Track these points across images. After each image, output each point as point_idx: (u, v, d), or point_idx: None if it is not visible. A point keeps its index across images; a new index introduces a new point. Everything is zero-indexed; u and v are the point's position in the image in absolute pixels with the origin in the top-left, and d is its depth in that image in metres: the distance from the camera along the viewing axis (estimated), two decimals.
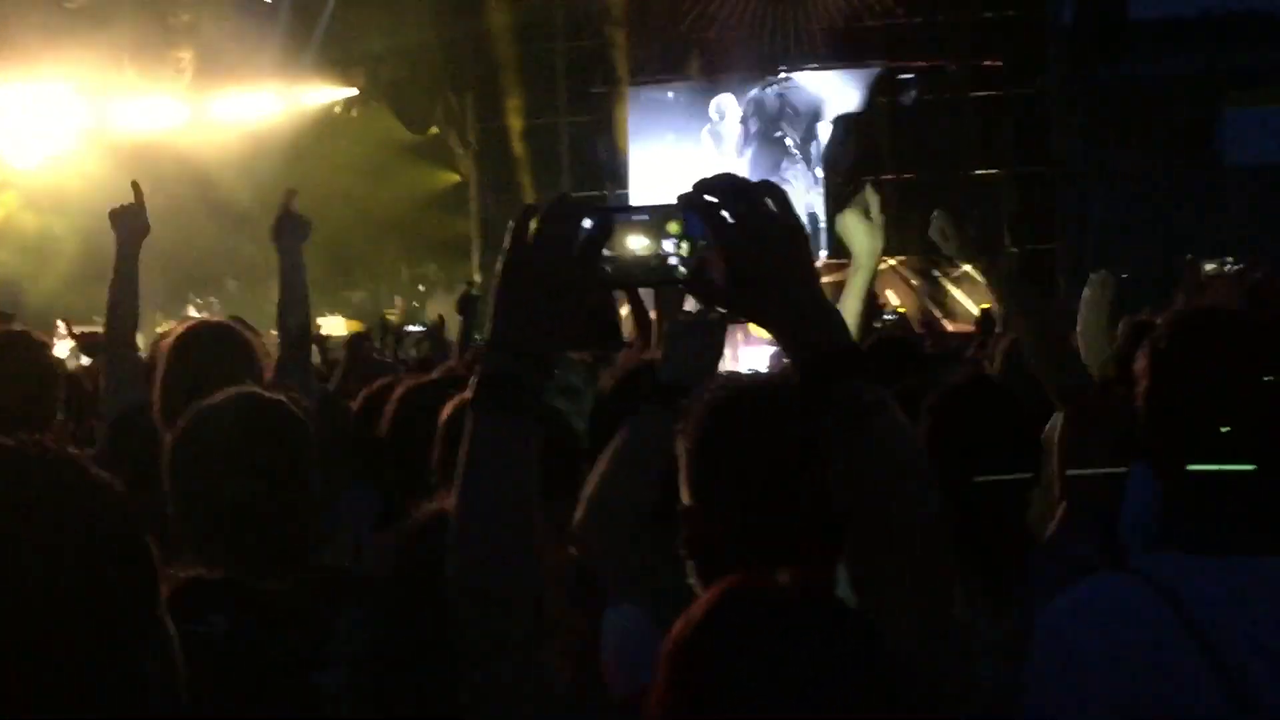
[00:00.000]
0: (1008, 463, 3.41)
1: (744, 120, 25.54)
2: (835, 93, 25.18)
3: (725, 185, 2.11)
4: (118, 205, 5.54)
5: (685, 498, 2.53)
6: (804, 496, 2.31)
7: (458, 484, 2.12)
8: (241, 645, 2.88)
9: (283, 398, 3.48)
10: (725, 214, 2.09)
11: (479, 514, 2.11)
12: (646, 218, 2.14)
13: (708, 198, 2.10)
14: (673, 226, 2.12)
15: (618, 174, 25.76)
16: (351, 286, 27.25)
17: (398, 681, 2.77)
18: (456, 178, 28.15)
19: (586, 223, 2.12)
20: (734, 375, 2.76)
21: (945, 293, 24.45)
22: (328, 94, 27.23)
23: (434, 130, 27.76)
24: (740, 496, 2.44)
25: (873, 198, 5.14)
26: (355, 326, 25.94)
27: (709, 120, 25.61)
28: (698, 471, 2.51)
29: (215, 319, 4.92)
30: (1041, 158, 24.54)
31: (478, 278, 26.14)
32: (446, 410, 3.92)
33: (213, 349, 4.50)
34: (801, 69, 25.20)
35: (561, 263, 2.10)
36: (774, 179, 2.45)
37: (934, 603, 2.11)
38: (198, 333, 4.65)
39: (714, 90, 25.56)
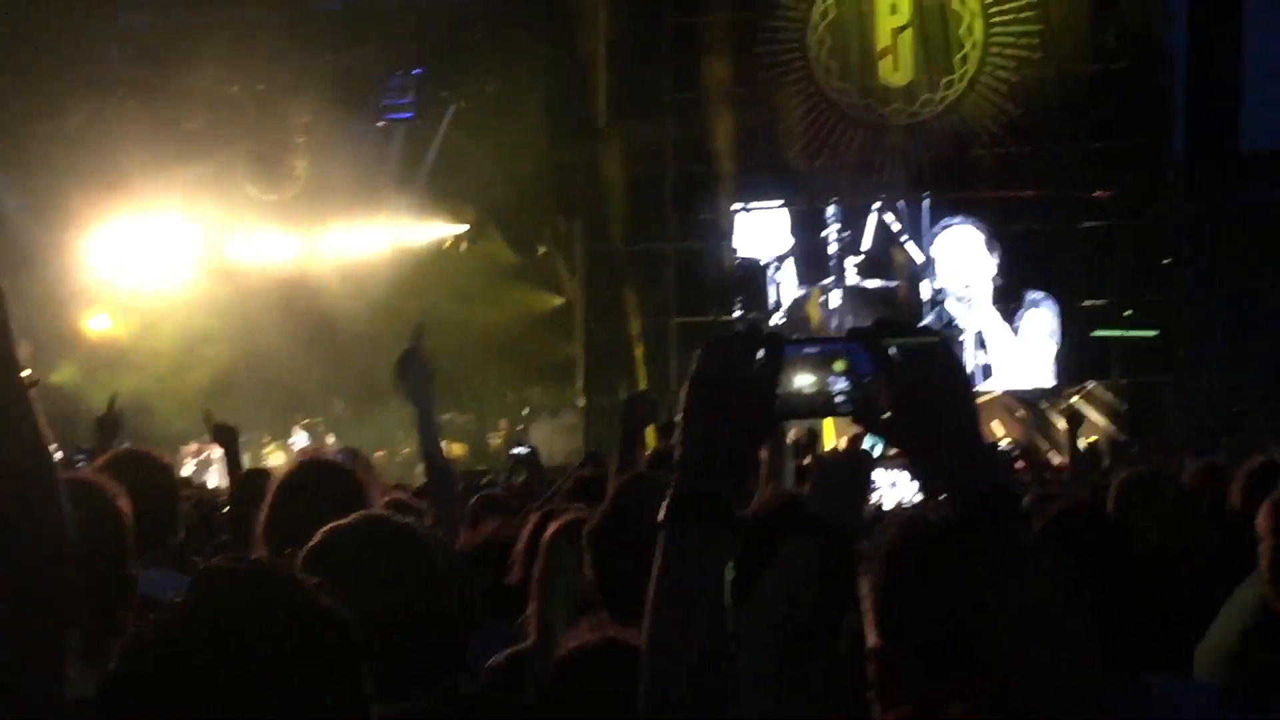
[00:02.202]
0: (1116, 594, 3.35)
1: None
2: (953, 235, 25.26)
3: (895, 327, 2.15)
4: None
5: (872, 639, 2.50)
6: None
7: (650, 605, 2.10)
8: None
9: (411, 521, 3.47)
10: (894, 353, 2.13)
11: (674, 635, 2.08)
12: (817, 350, 2.17)
13: (875, 338, 2.15)
14: (839, 364, 2.16)
15: (725, 299, 25.79)
16: (456, 409, 27.38)
17: None
18: (561, 300, 28.33)
19: (761, 352, 2.16)
20: (910, 511, 2.72)
21: (1051, 425, 24.22)
22: (438, 230, 27.59)
23: (541, 251, 28.00)
24: (930, 635, 2.40)
25: None
26: (458, 450, 26.16)
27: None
28: (886, 611, 2.49)
29: (326, 455, 4.84)
30: (1152, 289, 24.35)
31: (581, 402, 26.23)
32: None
33: (323, 488, 4.46)
34: (909, 197, 25.26)
35: (743, 390, 2.13)
36: None
37: None
38: (307, 469, 4.61)
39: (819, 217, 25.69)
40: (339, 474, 4.56)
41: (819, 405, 2.18)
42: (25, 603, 2.29)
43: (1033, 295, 24.65)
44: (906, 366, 2.11)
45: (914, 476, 2.21)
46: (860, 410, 2.16)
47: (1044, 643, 2.07)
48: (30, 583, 2.29)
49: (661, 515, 2.13)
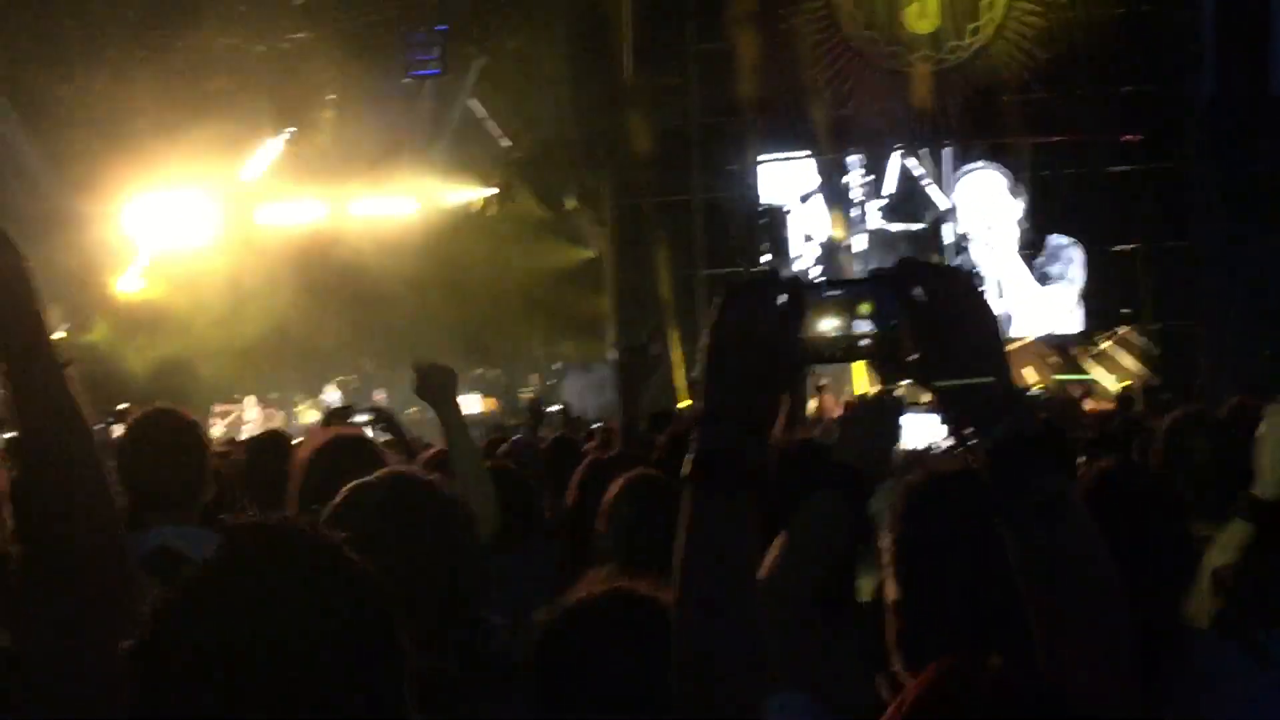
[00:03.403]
0: (1162, 553, 3.33)
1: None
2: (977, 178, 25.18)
3: (919, 267, 2.11)
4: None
5: (891, 592, 2.47)
6: (1012, 585, 2.23)
7: (677, 564, 2.09)
8: None
9: (434, 477, 3.49)
10: (918, 294, 2.08)
11: (703, 594, 2.07)
12: (840, 293, 2.14)
13: (901, 278, 2.10)
14: (864, 307, 2.12)
15: (752, 249, 25.75)
16: (487, 363, 27.39)
17: None
18: (591, 254, 28.29)
19: (783, 298, 2.12)
20: (929, 461, 2.68)
21: (1083, 370, 24.17)
22: (467, 191, 27.56)
23: (569, 206, 27.96)
24: (950, 589, 2.38)
25: None
26: (491, 404, 26.22)
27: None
28: (905, 565, 2.45)
29: (350, 431, 4.85)
30: (1180, 233, 24.23)
31: (612, 356, 26.23)
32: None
33: (346, 461, 4.48)
34: (937, 145, 25.17)
35: (765, 337, 2.09)
36: None
37: (1121, 686, 2.04)
38: (333, 445, 4.64)
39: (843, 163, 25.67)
40: (362, 449, 4.60)
41: (843, 349, 2.13)
42: (85, 579, 2.33)
43: (1058, 240, 24.56)
44: (932, 308, 2.07)
45: (943, 420, 2.18)
46: (885, 353, 2.12)
47: (1072, 601, 2.04)
48: (87, 560, 2.33)
49: (684, 472, 2.11)
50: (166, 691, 1.67)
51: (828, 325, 2.12)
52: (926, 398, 2.22)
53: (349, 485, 3.39)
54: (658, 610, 2.71)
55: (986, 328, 2.12)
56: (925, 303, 2.08)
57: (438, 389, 5.22)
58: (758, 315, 2.10)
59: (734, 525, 2.08)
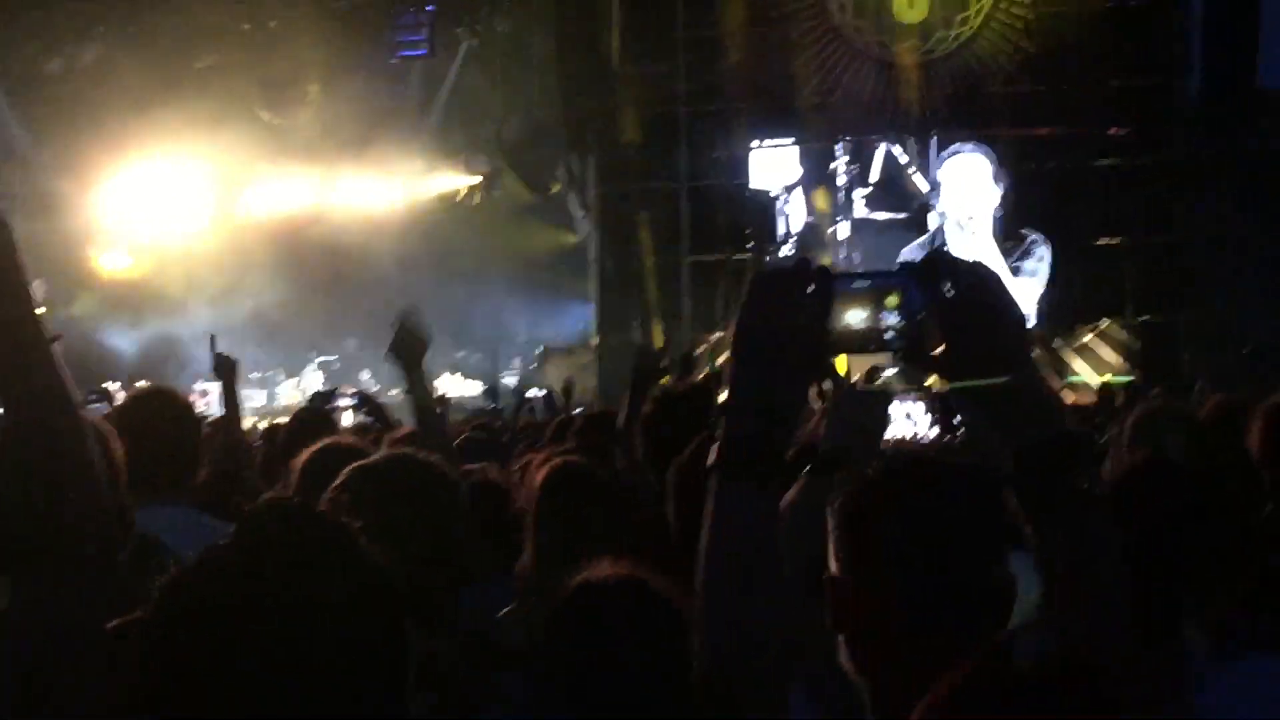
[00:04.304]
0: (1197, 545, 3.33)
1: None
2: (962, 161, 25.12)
3: (947, 262, 2.12)
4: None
5: (833, 569, 2.38)
6: (958, 571, 2.20)
7: (703, 555, 2.08)
8: None
9: (435, 459, 3.50)
10: (946, 289, 2.08)
11: (727, 583, 2.07)
12: (867, 284, 2.14)
13: (929, 272, 2.11)
14: (891, 300, 2.12)
15: (737, 237, 25.73)
16: (470, 345, 27.36)
17: None
18: (576, 238, 28.24)
19: (811, 288, 2.12)
20: (895, 448, 2.65)
21: (1065, 364, 24.15)
22: (453, 177, 27.48)
23: (555, 190, 27.91)
24: (889, 570, 2.29)
25: None
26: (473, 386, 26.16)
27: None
28: (847, 543, 2.36)
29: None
30: (1167, 227, 24.24)
31: (594, 340, 26.21)
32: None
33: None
34: (923, 135, 25.14)
35: (794, 327, 2.09)
36: None
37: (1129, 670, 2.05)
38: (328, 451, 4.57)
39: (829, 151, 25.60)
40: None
41: (870, 341, 2.14)
42: (74, 555, 2.32)
43: (1034, 235, 24.51)
44: (958, 306, 2.07)
45: (962, 418, 2.17)
46: (912, 346, 2.13)
47: (1088, 597, 2.05)
48: (76, 537, 2.31)
49: (711, 461, 2.10)
50: (171, 667, 1.66)
51: (854, 317, 2.12)
52: (902, 386, 2.22)
53: (350, 466, 3.39)
54: (665, 599, 2.72)
55: (1012, 326, 2.11)
56: (952, 298, 2.07)
57: (409, 352, 5.26)
58: (787, 305, 2.09)
59: (759, 514, 2.08)
